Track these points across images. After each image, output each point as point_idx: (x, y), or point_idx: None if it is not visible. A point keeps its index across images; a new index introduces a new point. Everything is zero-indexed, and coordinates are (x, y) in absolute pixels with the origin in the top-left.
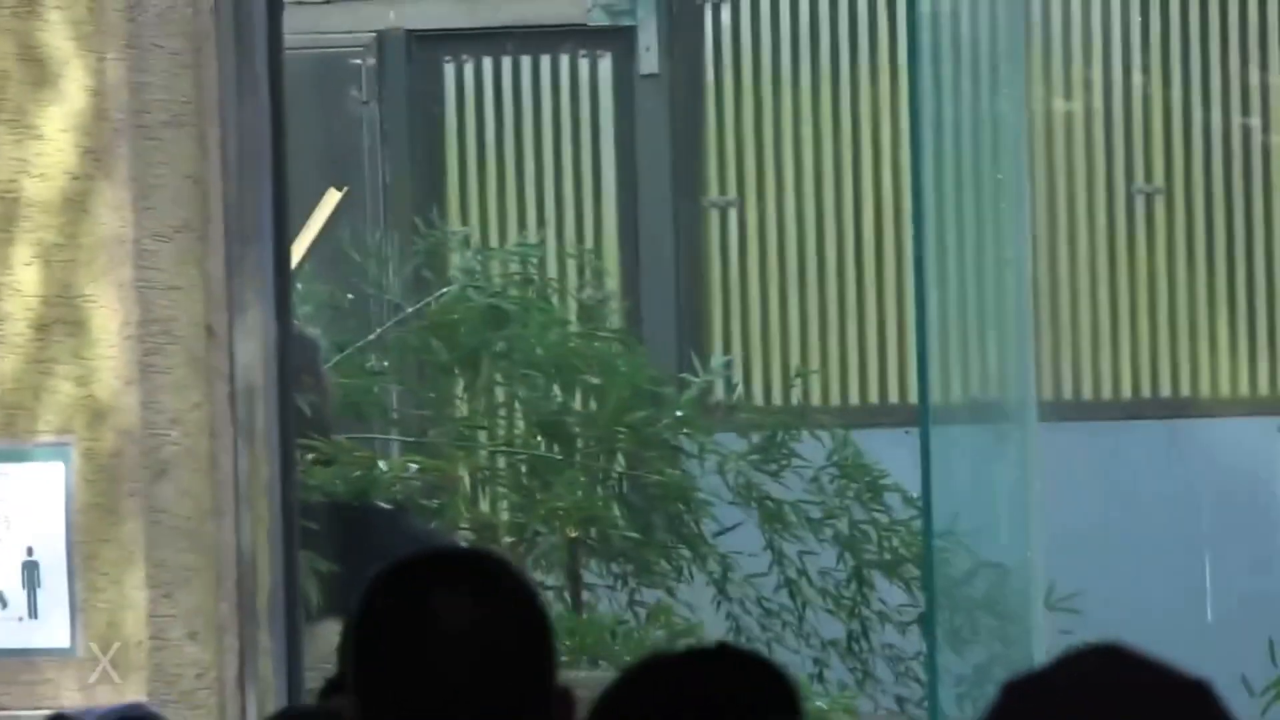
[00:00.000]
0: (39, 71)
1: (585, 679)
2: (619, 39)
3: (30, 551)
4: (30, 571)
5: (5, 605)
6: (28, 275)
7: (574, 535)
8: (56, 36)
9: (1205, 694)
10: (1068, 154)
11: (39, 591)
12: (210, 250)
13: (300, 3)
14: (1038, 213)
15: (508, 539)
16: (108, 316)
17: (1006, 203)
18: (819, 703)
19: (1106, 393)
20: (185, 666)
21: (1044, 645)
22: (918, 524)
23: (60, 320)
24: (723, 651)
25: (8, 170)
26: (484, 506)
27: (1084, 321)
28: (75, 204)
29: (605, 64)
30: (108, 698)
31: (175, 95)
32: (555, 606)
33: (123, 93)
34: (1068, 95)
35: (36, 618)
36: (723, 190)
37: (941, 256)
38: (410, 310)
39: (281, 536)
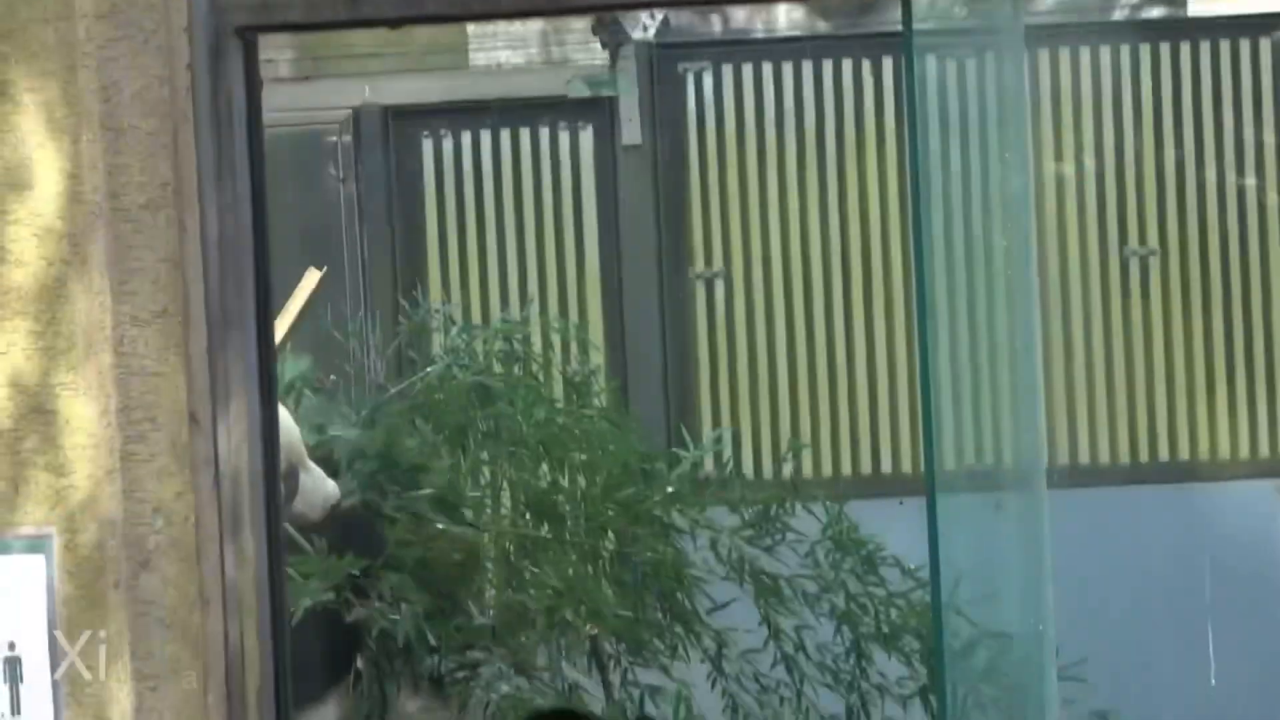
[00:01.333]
0: (11, 155)
1: None
2: (600, 110)
3: (12, 647)
4: (12, 667)
5: None
6: (3, 364)
7: (595, 632)
8: (29, 119)
9: None
10: (1059, 216)
11: (21, 687)
12: (192, 335)
13: (278, 80)
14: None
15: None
16: (87, 404)
17: (1012, 268)
18: None
19: (1105, 458)
20: None
21: (1054, 716)
22: (916, 595)
23: (38, 409)
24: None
25: None
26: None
27: (1079, 385)
28: (51, 290)
29: (586, 135)
30: None
31: (153, 178)
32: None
33: (98, 175)
34: (1059, 157)
35: (19, 714)
36: (709, 262)
37: (939, 320)
38: (394, 390)
39: (271, 626)
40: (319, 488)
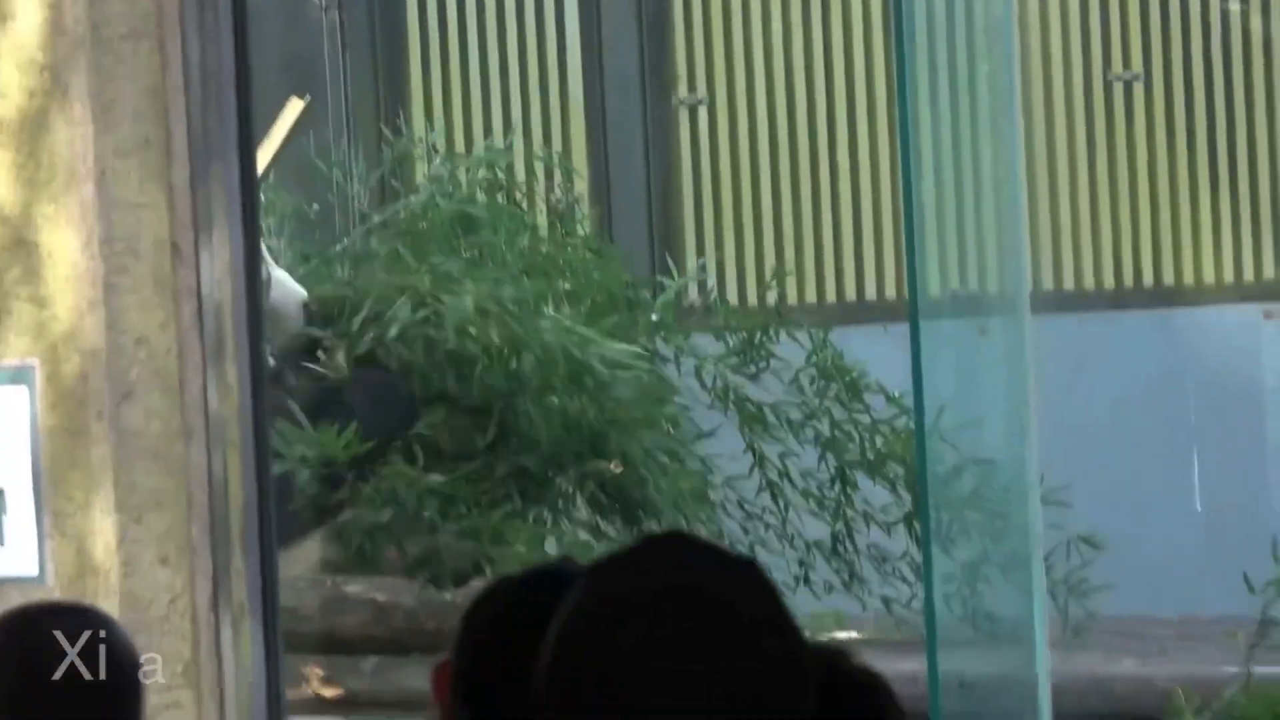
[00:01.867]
0: None
1: None
2: None
3: None
4: None
5: None
6: None
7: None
8: None
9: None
10: (1043, 41)
11: (4, 518)
12: (174, 166)
13: None
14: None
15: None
16: (70, 236)
17: (994, 93)
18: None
19: (1089, 283)
20: (158, 591)
21: (1038, 539)
22: (900, 422)
23: (21, 240)
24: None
25: None
26: None
27: (1064, 211)
28: (33, 121)
29: None
30: None
31: (134, 7)
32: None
33: (80, 6)
34: None
35: (3, 545)
36: (692, 88)
37: (927, 148)
38: (378, 219)
39: (254, 457)
40: (285, 283)
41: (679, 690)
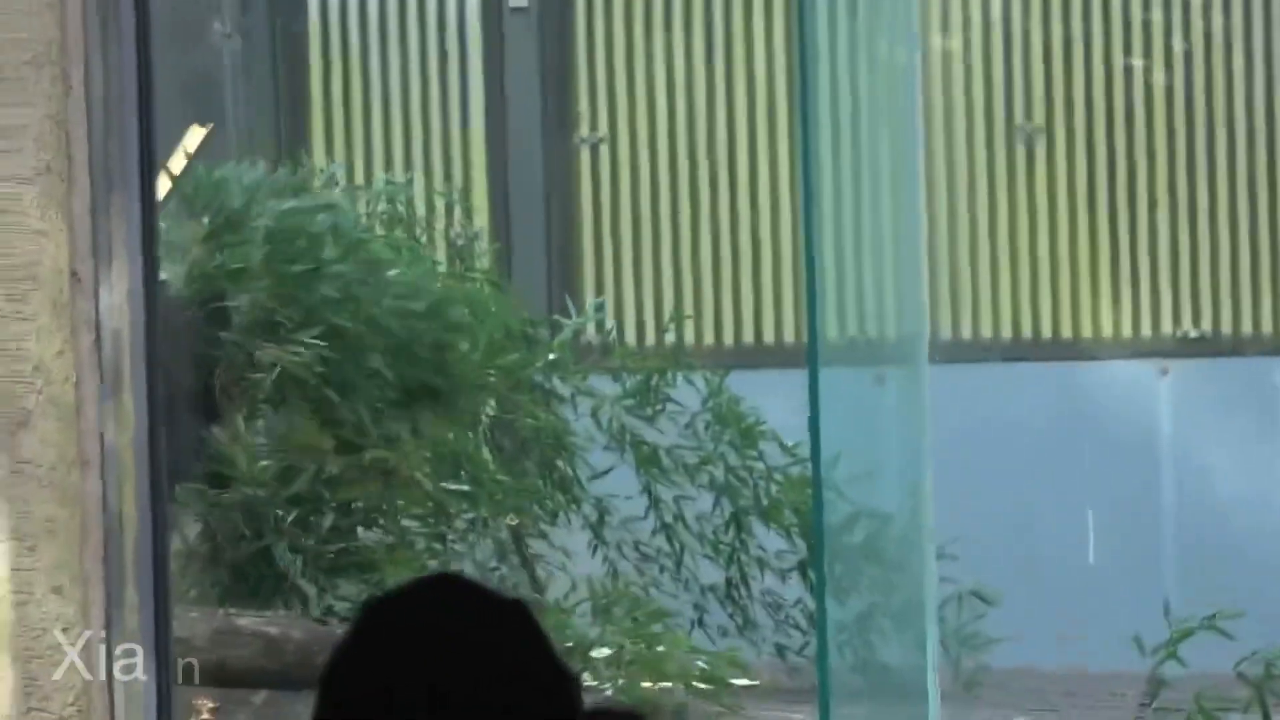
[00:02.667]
0: None
1: None
2: None
3: None
4: None
5: None
6: None
7: (514, 523)
8: None
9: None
10: (946, 92)
11: None
12: (75, 193)
13: None
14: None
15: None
16: None
17: (897, 141)
18: (700, 655)
19: (987, 333)
20: (50, 621)
21: (933, 591)
22: (795, 471)
23: None
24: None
25: None
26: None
27: (963, 261)
28: None
29: None
30: None
31: (38, 34)
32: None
33: None
34: (946, 32)
35: None
36: (594, 127)
37: (828, 193)
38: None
39: (149, 487)
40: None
41: None
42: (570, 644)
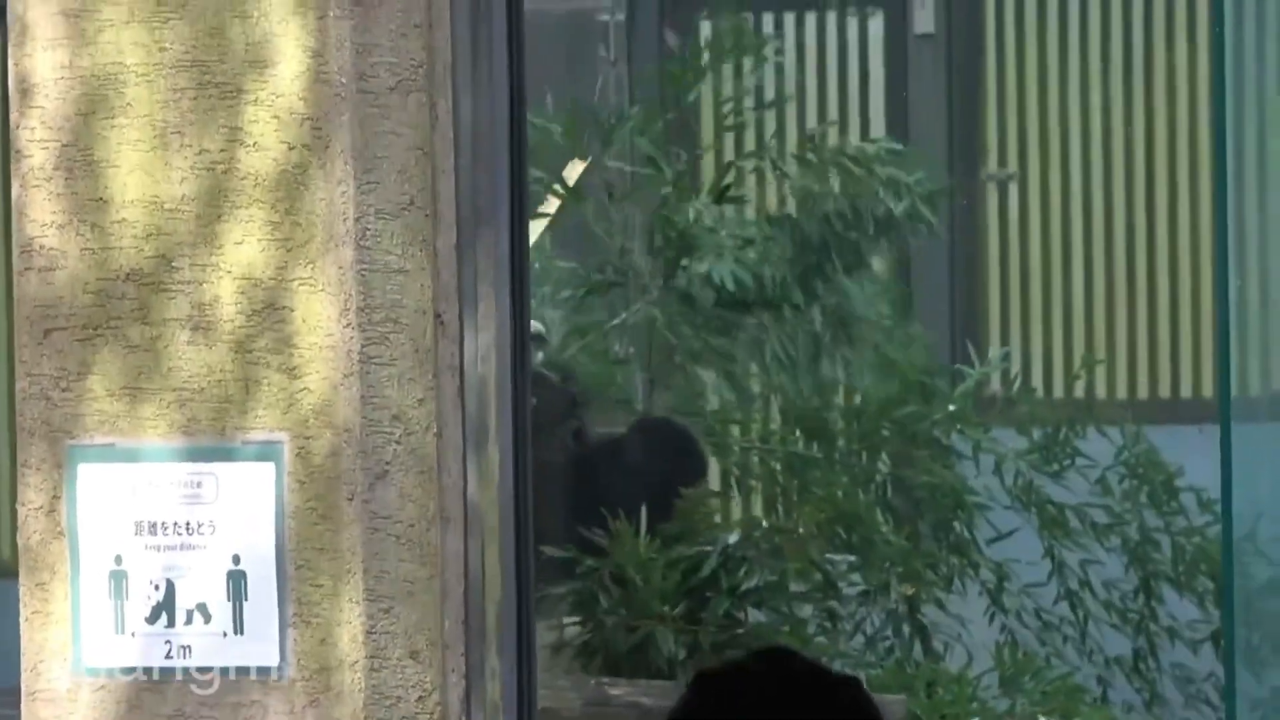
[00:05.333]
0: (253, 30)
1: None
2: None
3: (236, 560)
4: (236, 582)
5: (209, 619)
6: (238, 255)
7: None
8: None
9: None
10: None
11: (245, 605)
12: (440, 230)
13: None
14: None
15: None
16: (325, 302)
17: None
18: None
19: None
20: (406, 689)
21: None
22: (1214, 530)
23: (273, 305)
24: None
25: (219, 139)
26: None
27: None
28: (291, 177)
29: (877, 22)
30: None
31: (404, 58)
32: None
33: (345, 55)
34: None
35: (243, 633)
36: (1003, 162)
37: (1246, 235)
38: (659, 291)
39: (514, 548)
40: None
41: None
42: (976, 717)
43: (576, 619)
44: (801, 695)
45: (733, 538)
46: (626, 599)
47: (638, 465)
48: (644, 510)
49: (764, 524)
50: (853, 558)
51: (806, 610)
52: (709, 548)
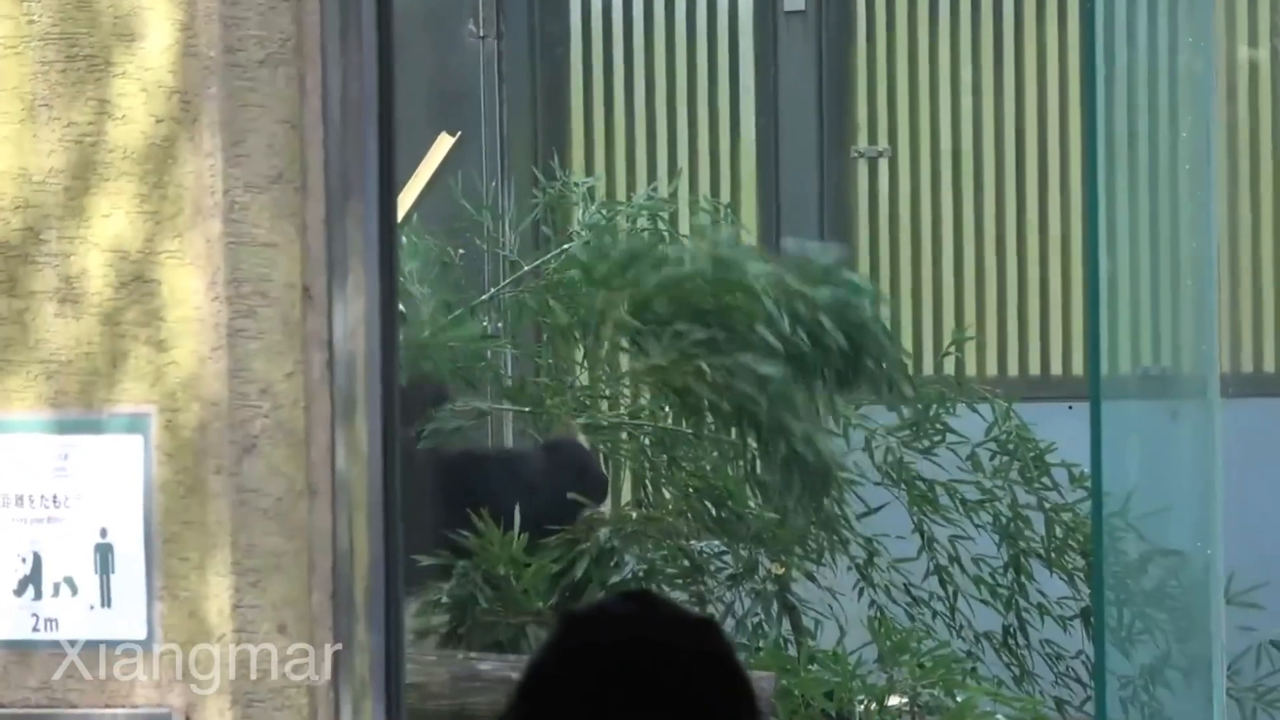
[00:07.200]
0: (122, 3)
1: None
2: None
3: (104, 533)
4: (104, 555)
5: (75, 592)
6: (106, 228)
7: (780, 572)
8: None
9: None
10: (1251, 106)
11: (113, 578)
12: (309, 203)
13: None
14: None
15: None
16: (193, 275)
17: (1190, 162)
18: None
19: (1270, 366)
20: (274, 663)
21: (1222, 642)
22: (1085, 507)
23: (141, 278)
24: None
25: (87, 112)
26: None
27: (1268, 291)
28: (160, 150)
29: None
30: (186, 696)
31: (273, 32)
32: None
33: (214, 28)
34: (1253, 42)
35: (110, 606)
36: (873, 140)
37: (1116, 218)
38: (528, 268)
39: (383, 520)
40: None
41: None
42: (860, 694)
43: (449, 618)
44: (663, 632)
45: (603, 534)
46: (500, 599)
47: (532, 480)
48: (516, 512)
49: (633, 515)
50: (721, 545)
51: (679, 596)
52: (584, 545)
